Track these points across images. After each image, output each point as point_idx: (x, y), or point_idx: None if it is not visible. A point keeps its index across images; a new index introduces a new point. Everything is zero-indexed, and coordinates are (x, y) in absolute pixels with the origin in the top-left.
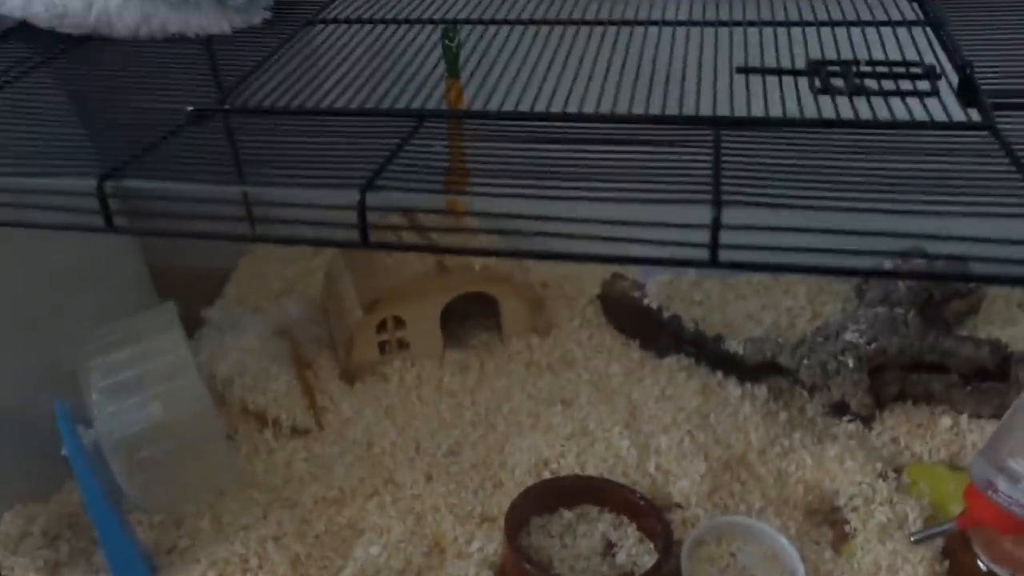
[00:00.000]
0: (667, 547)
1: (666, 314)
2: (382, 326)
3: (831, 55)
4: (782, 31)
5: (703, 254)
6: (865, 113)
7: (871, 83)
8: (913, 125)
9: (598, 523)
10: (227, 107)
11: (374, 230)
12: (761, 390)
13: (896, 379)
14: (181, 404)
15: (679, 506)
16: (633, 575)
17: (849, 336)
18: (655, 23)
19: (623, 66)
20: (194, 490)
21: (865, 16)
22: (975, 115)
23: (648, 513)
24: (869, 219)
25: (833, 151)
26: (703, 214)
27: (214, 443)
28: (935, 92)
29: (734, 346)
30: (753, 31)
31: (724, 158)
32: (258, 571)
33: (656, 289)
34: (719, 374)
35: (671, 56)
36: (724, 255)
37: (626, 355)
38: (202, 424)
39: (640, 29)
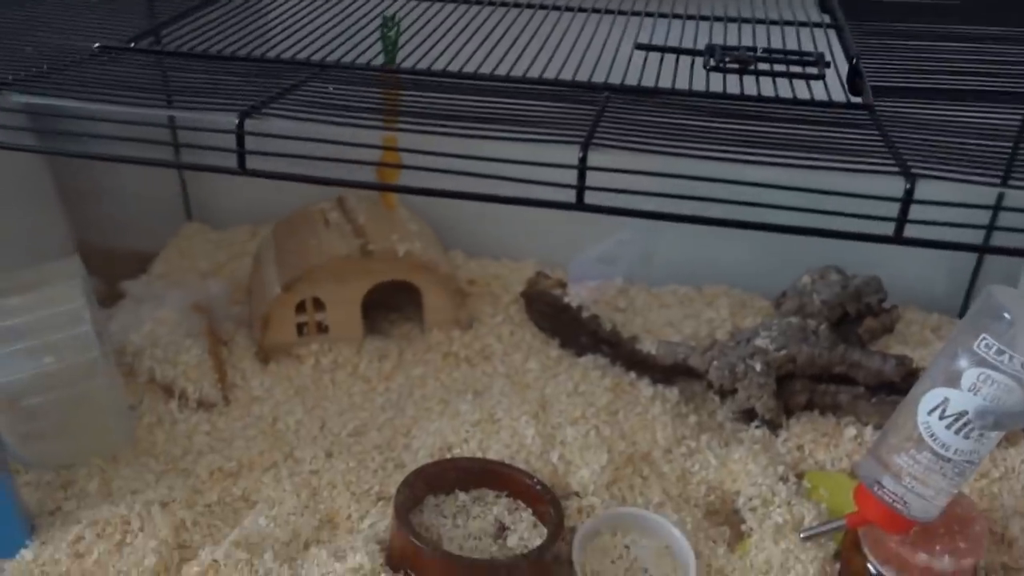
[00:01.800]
0: (555, 531)
1: (585, 313)
2: (301, 308)
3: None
4: (692, 23)
5: (569, 195)
6: (750, 90)
7: (764, 66)
8: (797, 102)
9: (493, 506)
10: (132, 46)
11: (253, 157)
12: (673, 392)
13: (804, 388)
14: (71, 355)
15: (577, 495)
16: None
17: (759, 342)
18: (572, 9)
19: (544, 41)
20: (84, 450)
21: (774, 16)
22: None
23: (544, 499)
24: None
25: (718, 119)
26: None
27: (104, 399)
28: (821, 76)
29: (648, 347)
30: (664, 21)
31: (607, 114)
32: (138, 533)
33: (582, 294)
34: (632, 374)
35: (581, 35)
36: (591, 197)
37: (544, 352)
38: (93, 378)
39: (556, 12)
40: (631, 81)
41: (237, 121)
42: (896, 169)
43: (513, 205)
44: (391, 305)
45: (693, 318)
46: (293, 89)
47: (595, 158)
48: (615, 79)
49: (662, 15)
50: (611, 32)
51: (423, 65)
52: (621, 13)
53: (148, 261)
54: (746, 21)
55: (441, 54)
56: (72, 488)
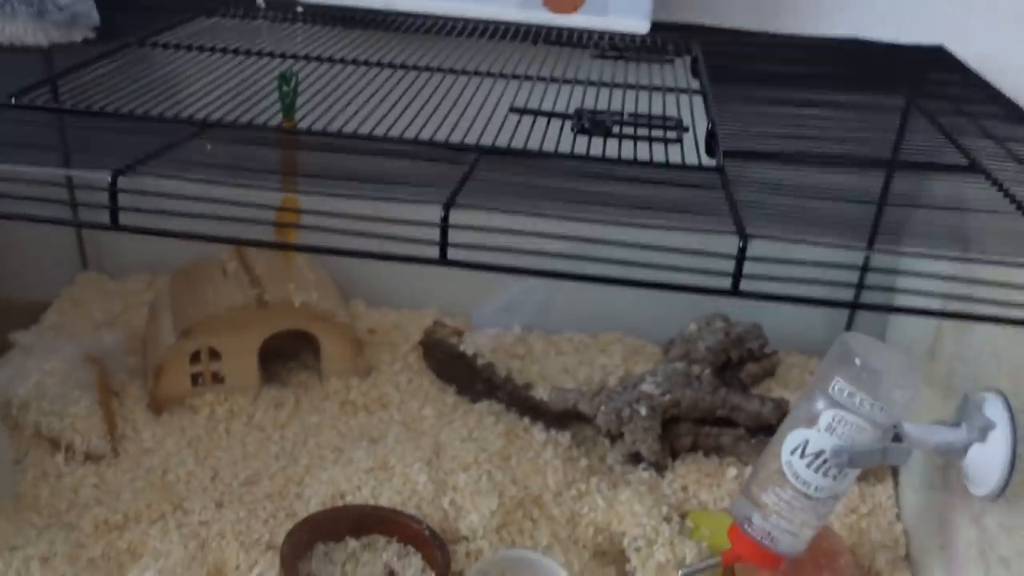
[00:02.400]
0: (443, 575)
1: (480, 361)
2: (196, 358)
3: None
4: (567, 87)
5: (434, 251)
6: (613, 152)
7: (628, 129)
8: (655, 164)
9: (383, 552)
10: (12, 103)
11: (126, 213)
12: (565, 437)
13: (689, 431)
14: None
15: (466, 539)
16: None
17: (645, 387)
18: (455, 71)
19: (425, 102)
20: None
21: (645, 82)
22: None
23: (432, 544)
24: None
25: (583, 180)
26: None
27: None
28: (679, 140)
29: (540, 393)
30: (540, 85)
31: (476, 175)
32: None
33: (482, 341)
34: (526, 420)
35: (460, 97)
36: (454, 254)
37: (440, 399)
38: None
39: (439, 75)
40: (503, 143)
41: (109, 179)
42: (733, 229)
43: (383, 261)
44: (289, 354)
45: (587, 364)
46: (171, 147)
47: (461, 216)
48: (488, 140)
49: (540, 79)
50: (490, 95)
51: (311, 125)
52: (502, 76)
53: (40, 311)
54: (618, 86)
55: (325, 112)
56: None
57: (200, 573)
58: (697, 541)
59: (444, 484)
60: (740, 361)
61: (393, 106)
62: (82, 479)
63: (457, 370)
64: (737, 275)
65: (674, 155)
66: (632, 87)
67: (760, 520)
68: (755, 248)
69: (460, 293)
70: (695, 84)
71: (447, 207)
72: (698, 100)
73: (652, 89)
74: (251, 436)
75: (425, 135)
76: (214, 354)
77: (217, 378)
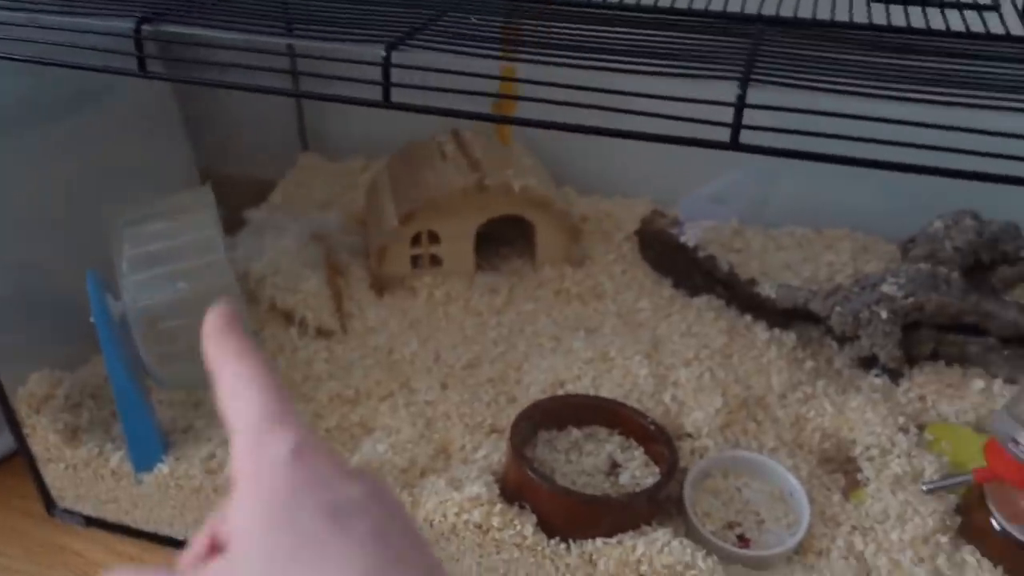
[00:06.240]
0: (671, 470)
1: (702, 253)
2: (416, 240)
3: None
4: None
5: (724, 134)
6: (918, 22)
7: None
8: (969, 35)
9: (606, 444)
10: None
11: (396, 89)
12: (790, 337)
13: (931, 337)
14: (207, 281)
15: (690, 436)
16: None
17: (886, 288)
18: None
19: None
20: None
21: None
22: None
23: (657, 438)
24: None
25: (881, 53)
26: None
27: None
28: (996, 7)
29: (767, 289)
30: None
31: (763, 48)
32: None
33: (697, 233)
34: (748, 317)
35: None
36: (746, 137)
37: (657, 292)
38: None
39: None
40: (786, 12)
41: (384, 54)
42: None
43: (657, 143)
44: (502, 240)
45: (812, 261)
46: (434, 20)
47: (753, 95)
48: (768, 10)
49: None
50: None
51: None
52: None
53: (266, 189)
54: None
55: None
56: (202, 408)
57: (428, 450)
58: (937, 455)
59: (665, 379)
60: (992, 264)
61: None
62: (315, 353)
63: (675, 262)
64: None
65: (993, 24)
66: None
67: None
68: None
69: (672, 181)
70: None
71: (744, 83)
72: None
73: None
74: (469, 320)
75: (699, 3)
76: (433, 237)
77: (435, 261)
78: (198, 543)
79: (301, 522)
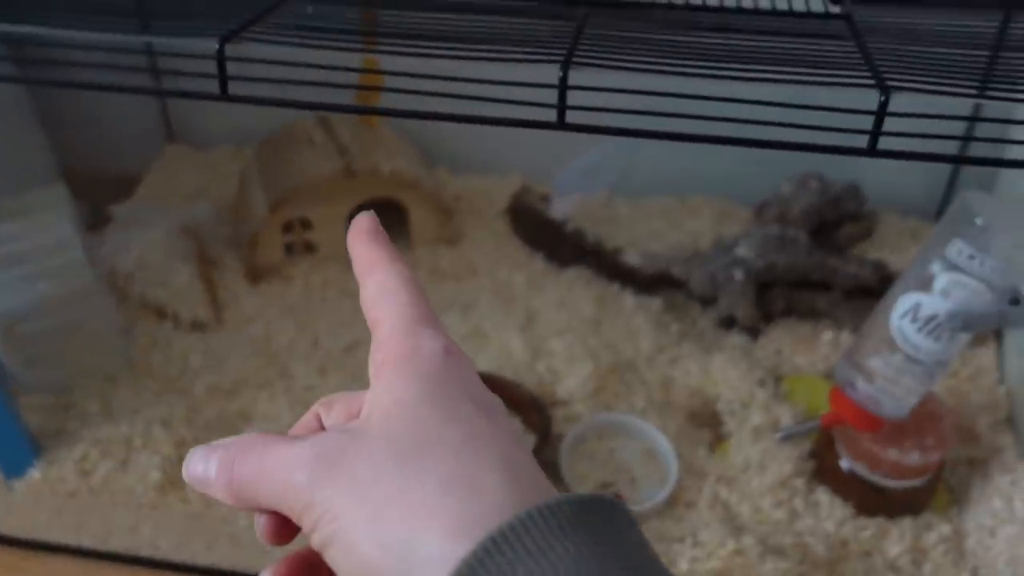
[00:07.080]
0: (544, 436)
1: (569, 227)
2: (288, 227)
3: None
4: None
5: (551, 115)
6: (731, 2)
7: None
8: (775, 13)
9: None
10: None
11: (233, 82)
12: (656, 302)
13: (783, 295)
14: (66, 281)
15: (564, 403)
16: None
17: (740, 251)
18: None
19: None
20: (83, 373)
21: None
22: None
23: (531, 407)
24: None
25: (698, 33)
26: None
27: (100, 322)
28: None
29: (632, 258)
30: None
31: (586, 30)
32: (141, 451)
33: (566, 207)
34: (616, 286)
35: None
36: (572, 117)
37: (529, 266)
38: (88, 302)
39: None
40: None
41: (217, 46)
42: (871, 82)
43: (495, 125)
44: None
45: (677, 228)
46: (272, 10)
47: (575, 76)
48: None
49: None
50: None
51: None
52: None
53: (131, 184)
54: None
55: None
56: (73, 410)
57: None
58: (792, 405)
59: (538, 350)
60: (836, 223)
61: None
62: (190, 347)
63: (545, 236)
64: (876, 132)
65: (797, 3)
66: None
67: (864, 384)
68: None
69: (543, 157)
70: None
71: (565, 65)
72: None
73: None
74: (347, 304)
75: None
76: (305, 224)
77: (310, 247)
78: (304, 424)
79: (455, 400)
